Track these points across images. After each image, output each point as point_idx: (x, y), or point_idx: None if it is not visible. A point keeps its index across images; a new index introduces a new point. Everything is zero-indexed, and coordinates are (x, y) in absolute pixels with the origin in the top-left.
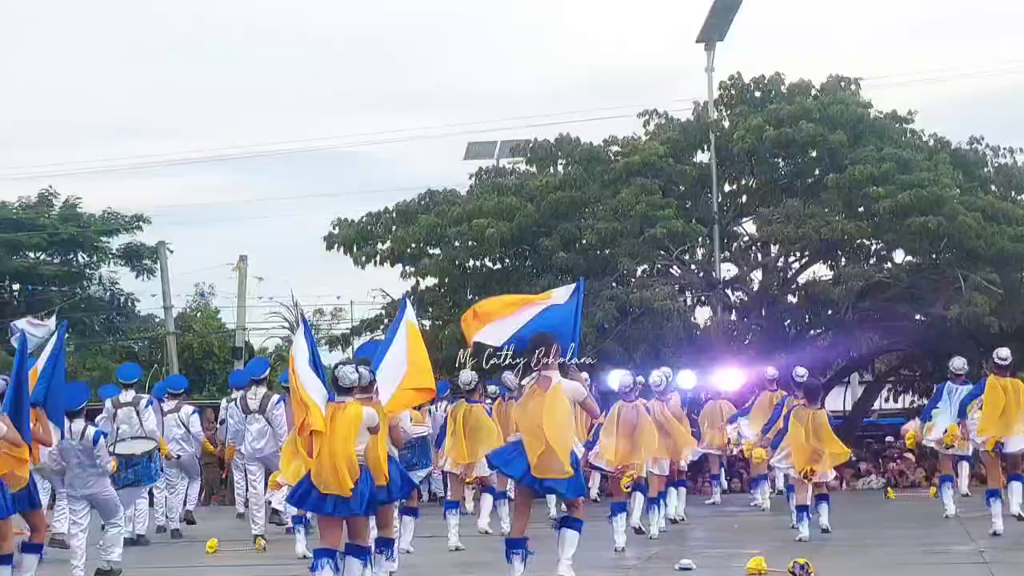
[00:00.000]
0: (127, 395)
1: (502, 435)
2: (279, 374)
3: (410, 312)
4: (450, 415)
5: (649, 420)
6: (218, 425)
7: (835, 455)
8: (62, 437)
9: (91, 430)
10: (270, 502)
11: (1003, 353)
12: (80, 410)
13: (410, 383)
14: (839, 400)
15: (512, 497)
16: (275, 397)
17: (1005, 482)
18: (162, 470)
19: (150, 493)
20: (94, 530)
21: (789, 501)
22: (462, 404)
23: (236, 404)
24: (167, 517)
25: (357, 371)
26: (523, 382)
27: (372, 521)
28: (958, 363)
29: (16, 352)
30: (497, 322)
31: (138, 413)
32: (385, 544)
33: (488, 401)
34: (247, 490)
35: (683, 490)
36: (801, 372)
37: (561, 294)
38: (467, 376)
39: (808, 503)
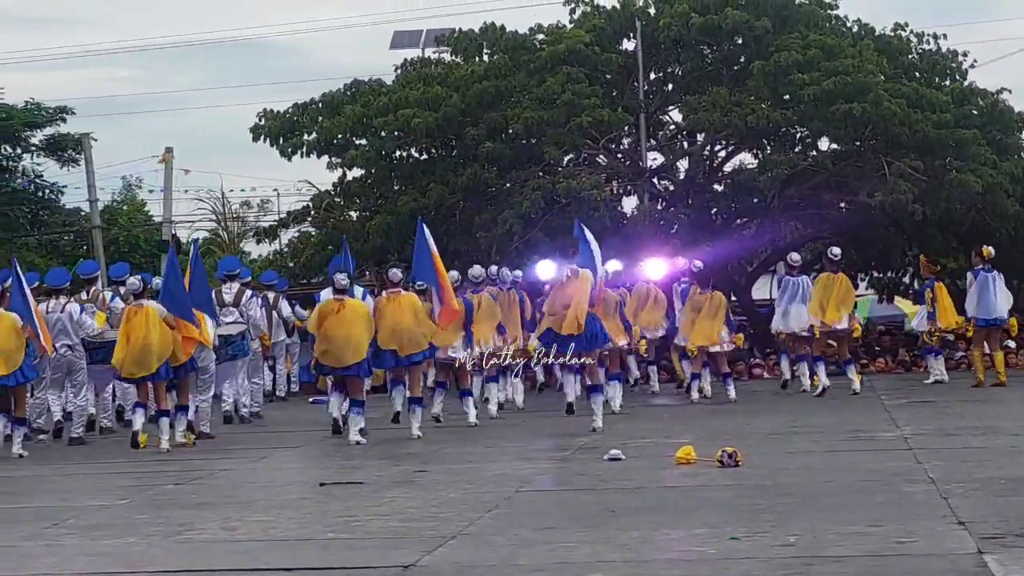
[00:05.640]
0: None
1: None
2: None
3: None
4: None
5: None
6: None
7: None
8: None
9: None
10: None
11: (835, 251)
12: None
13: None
14: (765, 289)
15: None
16: (248, 291)
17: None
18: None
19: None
20: None
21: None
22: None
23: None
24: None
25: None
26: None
27: None
28: (795, 257)
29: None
30: None
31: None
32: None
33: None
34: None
35: (616, 383)
36: (698, 263)
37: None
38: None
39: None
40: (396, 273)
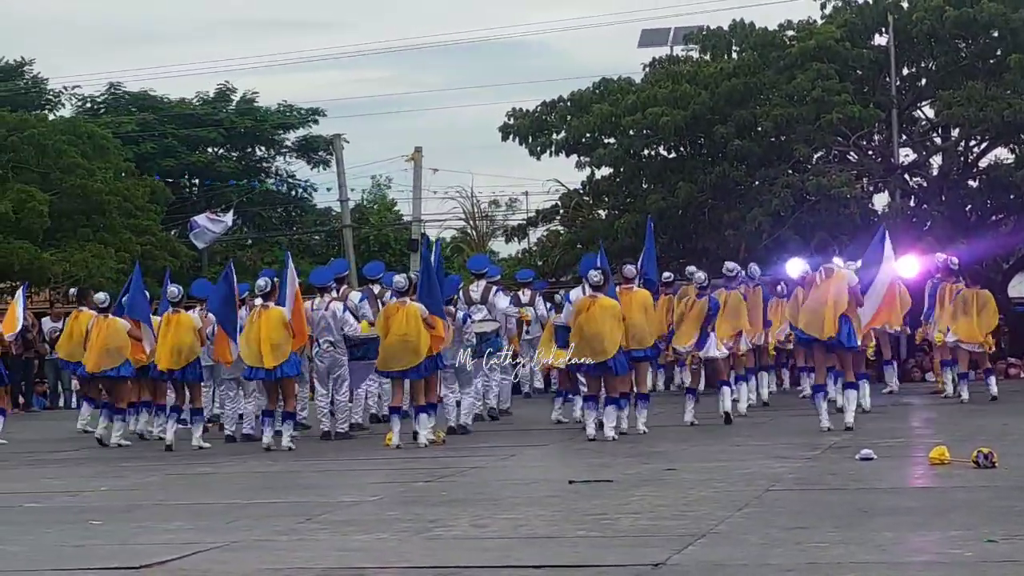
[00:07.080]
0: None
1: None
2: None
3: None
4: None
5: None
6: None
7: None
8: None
9: (460, 313)
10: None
11: None
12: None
13: None
14: (1022, 287)
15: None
16: (495, 288)
17: None
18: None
19: None
20: None
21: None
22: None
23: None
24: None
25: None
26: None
27: None
28: None
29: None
30: None
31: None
32: None
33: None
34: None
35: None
36: (954, 260)
37: None
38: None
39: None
40: (631, 269)
